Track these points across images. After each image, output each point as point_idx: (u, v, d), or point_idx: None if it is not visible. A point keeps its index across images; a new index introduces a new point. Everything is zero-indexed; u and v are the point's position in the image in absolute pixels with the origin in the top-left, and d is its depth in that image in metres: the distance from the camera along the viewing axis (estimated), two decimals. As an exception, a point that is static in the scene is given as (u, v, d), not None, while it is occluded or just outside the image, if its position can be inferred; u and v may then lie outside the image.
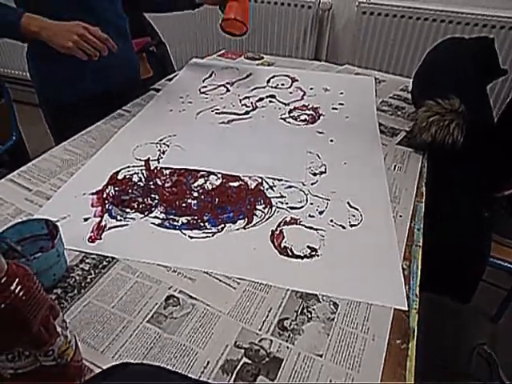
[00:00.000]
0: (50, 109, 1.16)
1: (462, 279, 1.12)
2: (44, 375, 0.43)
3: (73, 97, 1.10)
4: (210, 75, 1.34)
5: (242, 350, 0.52)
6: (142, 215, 0.74)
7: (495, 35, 1.76)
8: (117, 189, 0.80)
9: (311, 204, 0.78)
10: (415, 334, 0.55)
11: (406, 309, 0.58)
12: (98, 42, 0.93)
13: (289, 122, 1.08)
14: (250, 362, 0.51)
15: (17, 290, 0.38)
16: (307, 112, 1.13)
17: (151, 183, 0.82)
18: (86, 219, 0.72)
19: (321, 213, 0.76)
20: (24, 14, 0.92)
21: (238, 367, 0.50)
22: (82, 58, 0.93)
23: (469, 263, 1.09)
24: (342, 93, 1.24)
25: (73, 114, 1.10)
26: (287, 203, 0.78)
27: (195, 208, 0.76)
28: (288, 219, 0.74)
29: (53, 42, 0.92)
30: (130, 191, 0.80)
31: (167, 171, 0.86)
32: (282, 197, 0.80)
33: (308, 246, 0.68)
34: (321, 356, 0.52)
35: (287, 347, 0.53)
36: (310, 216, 0.75)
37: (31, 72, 1.12)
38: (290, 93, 1.24)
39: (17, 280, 0.38)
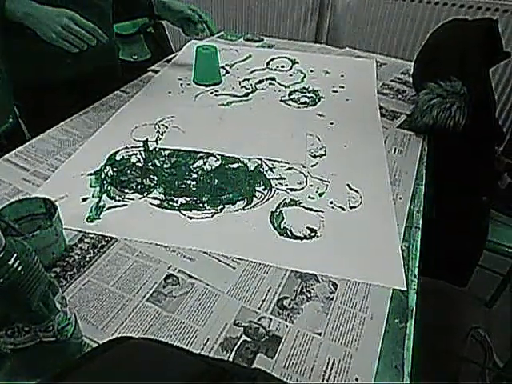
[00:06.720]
0: (16, 88, 1.09)
1: (459, 262, 1.13)
2: (44, 351, 0.43)
3: (41, 79, 1.02)
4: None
5: (242, 328, 0.52)
6: (141, 196, 0.74)
7: (498, 18, 1.73)
8: (115, 169, 0.80)
9: (311, 186, 0.78)
10: (413, 313, 0.56)
11: (405, 289, 0.59)
12: (84, 32, 0.87)
13: (289, 105, 1.07)
14: (249, 339, 0.51)
15: (15, 265, 0.38)
16: (307, 94, 1.12)
17: (150, 164, 0.82)
18: (84, 199, 0.72)
19: (320, 195, 0.76)
20: None
21: (238, 345, 0.50)
22: (70, 50, 0.87)
23: (466, 246, 1.09)
24: (342, 75, 1.22)
25: (40, 98, 1.03)
26: (287, 185, 0.78)
27: (194, 189, 0.76)
28: (288, 200, 0.74)
29: (37, 30, 0.87)
30: (128, 172, 0.79)
31: (166, 152, 0.85)
32: (281, 178, 0.79)
33: (307, 227, 0.68)
34: (319, 334, 0.52)
35: (286, 326, 0.53)
36: (309, 198, 0.75)
37: None
38: (290, 75, 1.22)
39: (15, 255, 0.38)
